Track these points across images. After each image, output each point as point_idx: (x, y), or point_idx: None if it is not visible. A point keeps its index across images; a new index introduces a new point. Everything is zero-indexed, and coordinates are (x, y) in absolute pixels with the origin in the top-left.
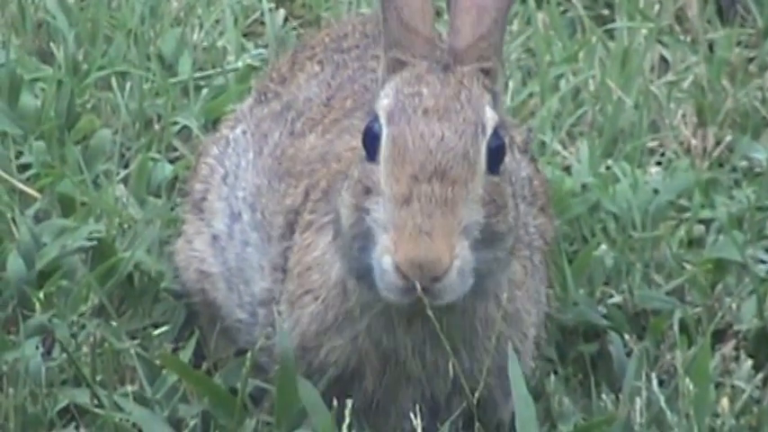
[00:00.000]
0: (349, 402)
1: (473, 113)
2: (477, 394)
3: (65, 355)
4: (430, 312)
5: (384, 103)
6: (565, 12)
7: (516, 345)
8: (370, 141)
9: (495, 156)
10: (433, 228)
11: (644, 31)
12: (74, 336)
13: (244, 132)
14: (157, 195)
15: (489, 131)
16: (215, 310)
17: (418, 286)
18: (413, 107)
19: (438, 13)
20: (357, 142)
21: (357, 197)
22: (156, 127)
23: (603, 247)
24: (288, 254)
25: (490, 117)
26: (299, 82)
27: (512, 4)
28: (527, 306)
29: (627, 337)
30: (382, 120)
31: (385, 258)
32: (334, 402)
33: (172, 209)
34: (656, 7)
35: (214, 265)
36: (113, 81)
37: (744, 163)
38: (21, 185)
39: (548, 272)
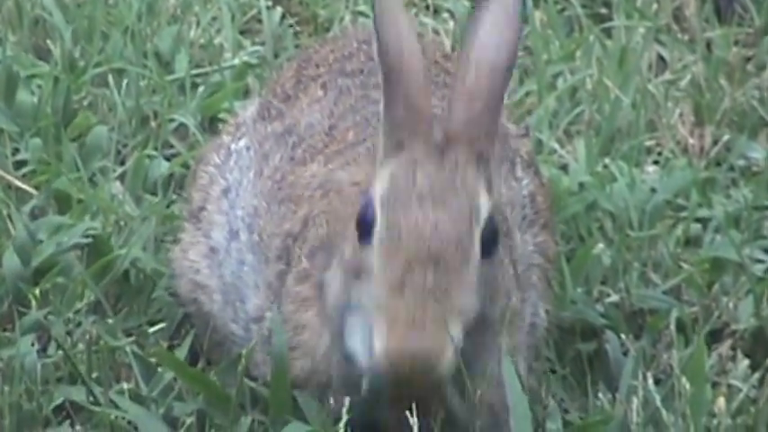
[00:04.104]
0: (346, 400)
1: (467, 200)
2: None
3: (60, 353)
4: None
5: (379, 188)
6: (562, 10)
7: None
8: (364, 225)
9: (490, 241)
10: (426, 319)
11: (641, 30)
12: (69, 333)
13: (248, 148)
14: (153, 192)
15: (483, 218)
16: (209, 319)
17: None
18: (407, 193)
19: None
20: (359, 177)
21: (347, 275)
22: (153, 124)
23: (600, 245)
24: (284, 277)
25: (484, 203)
26: (302, 105)
27: (507, 89)
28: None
29: (624, 336)
30: (377, 205)
31: (375, 345)
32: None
33: (168, 206)
34: (654, 6)
35: (209, 276)
36: (110, 78)
37: (741, 162)
38: (17, 182)
39: (548, 289)
